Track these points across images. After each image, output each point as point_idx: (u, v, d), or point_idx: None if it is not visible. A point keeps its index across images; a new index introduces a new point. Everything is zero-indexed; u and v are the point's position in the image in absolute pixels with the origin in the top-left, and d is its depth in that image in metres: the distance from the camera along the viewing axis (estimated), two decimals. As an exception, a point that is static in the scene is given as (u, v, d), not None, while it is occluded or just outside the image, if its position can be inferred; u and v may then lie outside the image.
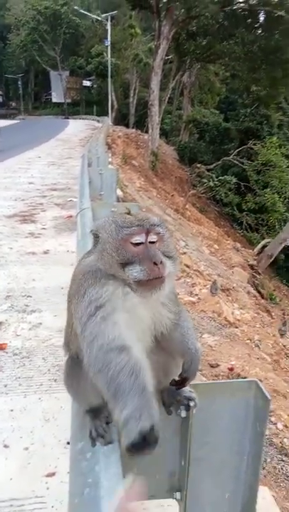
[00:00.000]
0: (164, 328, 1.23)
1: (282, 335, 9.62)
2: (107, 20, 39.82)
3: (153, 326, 1.22)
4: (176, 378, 1.35)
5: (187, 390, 1.38)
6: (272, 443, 4.49)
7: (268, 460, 4.23)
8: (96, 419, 1.27)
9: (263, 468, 3.99)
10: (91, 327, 1.11)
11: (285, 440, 4.56)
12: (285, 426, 4.77)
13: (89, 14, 48.47)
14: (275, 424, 4.75)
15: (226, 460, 1.56)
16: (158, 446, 1.54)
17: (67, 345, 1.37)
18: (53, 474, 2.36)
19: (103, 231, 1.14)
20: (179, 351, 1.30)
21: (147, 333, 1.22)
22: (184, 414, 1.42)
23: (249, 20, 23.40)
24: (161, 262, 1.08)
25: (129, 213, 1.18)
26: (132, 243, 1.10)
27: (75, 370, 1.26)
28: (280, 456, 4.38)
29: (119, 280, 1.11)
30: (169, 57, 28.29)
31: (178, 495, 1.56)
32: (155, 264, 1.07)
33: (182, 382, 1.33)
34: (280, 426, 4.75)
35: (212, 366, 5.21)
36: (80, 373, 1.18)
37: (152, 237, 1.12)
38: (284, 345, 8.71)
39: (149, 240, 1.11)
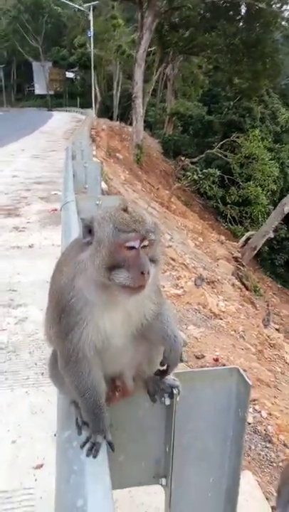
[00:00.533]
0: (146, 318, 1.26)
1: (265, 326, 9.80)
2: (89, 10, 39.19)
3: (136, 316, 1.24)
4: (160, 368, 1.38)
5: (170, 378, 1.42)
6: (257, 430, 4.61)
7: (252, 447, 4.34)
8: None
9: (248, 455, 4.10)
10: (61, 326, 1.18)
11: (269, 427, 4.67)
12: (269, 414, 4.89)
13: (71, 4, 47.56)
14: (260, 412, 4.87)
15: (210, 446, 1.61)
16: (143, 435, 1.59)
17: (49, 339, 1.38)
18: (40, 466, 2.39)
19: (99, 229, 1.13)
20: (159, 339, 1.33)
21: (130, 323, 1.25)
22: (168, 401, 1.46)
23: (231, 12, 23.39)
24: (148, 272, 1.11)
25: (125, 210, 1.16)
26: (125, 247, 1.11)
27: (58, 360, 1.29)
28: (264, 443, 4.49)
29: (99, 284, 1.14)
30: (152, 48, 28.08)
31: (163, 481, 1.60)
32: (142, 273, 1.10)
33: (165, 371, 1.36)
34: (264, 414, 4.86)
35: (197, 357, 5.28)
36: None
37: (145, 243, 1.14)
38: (268, 336, 8.87)
39: (142, 245, 1.13)
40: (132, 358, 1.37)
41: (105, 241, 1.11)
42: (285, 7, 22.93)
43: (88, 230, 1.16)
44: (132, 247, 1.11)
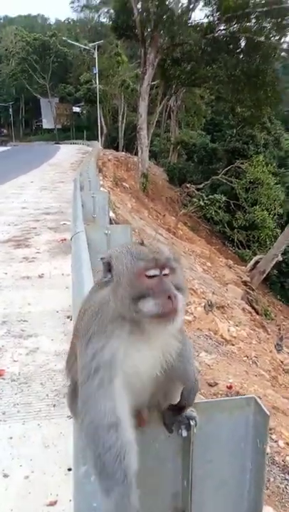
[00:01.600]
0: (171, 357, 1.25)
1: (278, 351, 9.62)
2: (94, 49, 41.15)
3: (162, 357, 1.23)
4: (174, 403, 1.37)
5: (188, 409, 1.41)
6: (275, 461, 4.44)
7: (271, 479, 4.17)
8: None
9: (267, 488, 3.93)
10: (87, 388, 1.11)
11: (288, 458, 4.50)
12: (287, 443, 4.72)
13: (77, 44, 50.07)
14: (277, 441, 4.71)
15: (229, 478, 1.56)
16: (160, 468, 1.55)
17: (69, 371, 1.37)
18: (54, 503, 2.32)
19: (118, 262, 1.12)
20: (180, 379, 1.33)
21: (158, 363, 1.23)
22: (184, 433, 1.44)
23: (231, 45, 24.36)
24: (175, 296, 1.08)
25: (142, 243, 1.16)
26: (146, 275, 1.09)
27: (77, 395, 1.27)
28: (282, 474, 4.32)
29: (128, 321, 1.11)
30: (156, 82, 29.17)
31: (182, 516, 1.55)
32: (169, 297, 1.08)
33: (180, 409, 1.35)
34: (281, 444, 4.70)
35: (210, 385, 5.18)
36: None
37: (166, 271, 1.12)
38: (281, 361, 8.70)
39: (163, 272, 1.12)
40: (153, 394, 1.36)
41: (125, 272, 1.10)
42: (283, 39, 23.84)
43: (108, 268, 1.14)
44: (154, 275, 1.10)
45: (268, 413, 1.46)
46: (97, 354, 1.11)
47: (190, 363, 1.31)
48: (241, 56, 25.05)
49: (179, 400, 1.35)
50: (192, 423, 1.40)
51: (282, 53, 25.27)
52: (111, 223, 7.26)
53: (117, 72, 43.01)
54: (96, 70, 39.92)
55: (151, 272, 1.10)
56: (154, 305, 1.07)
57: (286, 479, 4.20)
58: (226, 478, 1.57)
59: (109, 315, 1.13)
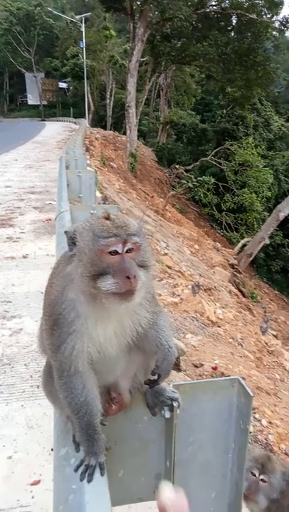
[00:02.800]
0: (141, 327, 1.23)
1: (263, 332, 9.78)
2: (81, 21, 39.71)
3: (129, 325, 1.21)
4: (150, 378, 1.34)
5: (170, 390, 1.38)
6: (257, 439, 4.55)
7: (253, 456, 4.27)
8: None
9: (249, 465, 4.03)
10: (53, 339, 1.15)
11: (270, 436, 4.62)
12: (270, 422, 4.84)
13: (63, 15, 48.24)
14: (260, 420, 4.82)
15: (211, 459, 1.56)
16: (143, 448, 1.54)
17: (44, 352, 1.35)
18: (38, 482, 2.32)
19: (80, 238, 1.11)
20: (153, 348, 1.30)
21: (124, 333, 1.21)
22: (167, 414, 1.42)
23: (222, 22, 23.79)
24: (134, 276, 1.07)
25: (107, 217, 1.13)
26: (108, 252, 1.08)
27: (52, 376, 1.24)
28: (265, 452, 4.44)
29: (90, 296, 1.11)
30: (145, 59, 28.43)
31: (165, 496, 1.55)
32: (128, 277, 1.06)
33: (155, 380, 1.31)
34: (264, 422, 4.81)
35: (196, 366, 5.24)
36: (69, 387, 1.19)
37: (129, 246, 1.10)
38: (266, 343, 8.86)
39: (125, 249, 1.10)
40: (126, 369, 1.34)
41: (86, 249, 1.08)
42: (275, 17, 23.37)
43: (72, 241, 1.13)
44: (115, 252, 1.08)
45: (251, 394, 1.45)
46: (61, 319, 1.13)
47: (163, 331, 1.29)
48: (233, 34, 24.55)
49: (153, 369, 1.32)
50: (175, 404, 1.38)
51: (274, 32, 24.79)
52: (98, 204, 7.14)
53: (105, 47, 41.76)
54: (83, 44, 38.67)
55: (112, 249, 1.08)
56: (112, 284, 1.06)
57: (267, 456, 4.32)
58: (209, 459, 1.56)
59: (73, 292, 1.12)
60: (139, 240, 1.13)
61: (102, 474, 1.13)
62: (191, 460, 1.52)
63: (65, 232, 1.15)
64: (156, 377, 1.32)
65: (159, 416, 1.44)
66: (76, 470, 1.14)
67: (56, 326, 1.14)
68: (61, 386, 1.18)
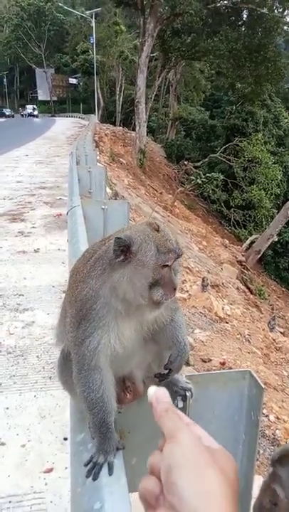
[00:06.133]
0: (161, 323, 1.28)
1: (271, 329, 9.76)
2: (91, 17, 39.61)
3: (151, 321, 1.26)
4: (162, 372, 1.36)
5: (183, 380, 1.42)
6: (265, 435, 4.58)
7: (261, 451, 4.31)
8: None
9: (257, 459, 4.07)
10: (79, 332, 1.19)
11: (277, 432, 4.65)
12: (277, 418, 4.86)
13: (73, 11, 48.14)
14: (267, 416, 4.84)
15: (222, 449, 1.60)
16: (156, 437, 1.58)
17: (61, 341, 1.38)
18: (50, 470, 2.38)
19: (139, 249, 1.13)
20: (169, 343, 1.34)
21: (144, 328, 1.26)
22: (180, 404, 1.45)
23: (232, 17, 23.57)
24: (176, 288, 1.18)
25: (157, 230, 1.20)
26: (163, 265, 1.16)
27: (68, 365, 1.28)
28: (272, 447, 4.46)
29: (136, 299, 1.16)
30: (155, 54, 28.30)
31: (176, 483, 1.59)
32: (174, 289, 1.16)
33: (165, 374, 1.35)
34: (272, 418, 4.84)
35: (204, 361, 5.27)
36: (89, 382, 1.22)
37: (179, 260, 1.22)
38: (273, 339, 8.84)
39: (175, 262, 1.20)
40: (141, 360, 1.37)
41: (146, 261, 1.13)
42: (287, 12, 23.08)
43: (124, 249, 1.13)
44: (167, 265, 1.16)
45: (262, 386, 1.48)
46: (90, 314, 1.18)
47: (180, 328, 1.34)
48: (243, 29, 24.30)
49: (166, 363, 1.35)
50: (188, 394, 1.42)
51: (285, 27, 24.50)
52: (108, 199, 7.18)
53: (115, 43, 41.61)
54: (93, 40, 38.58)
55: (169, 263, 1.16)
56: (162, 294, 1.15)
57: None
58: (220, 449, 1.60)
59: (112, 294, 1.16)
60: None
61: (110, 474, 1.14)
62: (202, 449, 1.56)
63: (119, 239, 1.14)
64: (166, 371, 1.35)
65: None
66: (85, 465, 1.16)
67: (85, 320, 1.18)
68: (79, 380, 1.21)
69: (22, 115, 56.17)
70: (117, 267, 1.15)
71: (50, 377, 3.13)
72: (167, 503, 0.51)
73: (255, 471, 1.71)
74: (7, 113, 52.70)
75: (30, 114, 55.16)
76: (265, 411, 4.69)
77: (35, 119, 45.76)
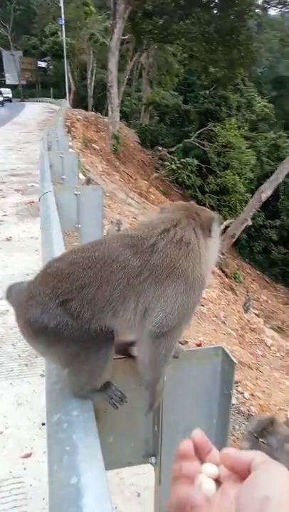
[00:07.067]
0: None
1: (246, 311, 10.02)
2: (59, -4, 38.24)
3: None
4: None
5: None
6: (240, 411, 4.74)
7: (237, 427, 4.47)
8: (108, 389, 1.34)
9: (232, 435, 4.22)
10: (190, 300, 1.22)
11: (252, 408, 4.82)
12: (252, 395, 5.04)
13: (40, -10, 46.28)
14: (242, 393, 5.01)
15: (196, 423, 1.63)
16: (132, 416, 1.61)
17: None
18: (29, 455, 2.39)
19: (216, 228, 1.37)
20: None
21: None
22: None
23: (205, -1, 23.30)
24: None
25: None
26: None
27: (88, 351, 1.18)
28: (247, 422, 4.64)
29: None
30: (126, 37, 27.70)
31: (153, 459, 1.63)
32: None
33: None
34: (246, 395, 5.01)
35: (180, 343, 5.35)
36: (95, 352, 1.18)
37: None
38: (248, 321, 9.09)
39: None
40: None
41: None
42: (258, -5, 23.02)
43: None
44: None
45: (235, 361, 1.53)
46: (197, 297, 1.28)
47: None
48: (215, 12, 24.08)
49: None
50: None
51: (257, 10, 24.46)
52: (88, 185, 7.07)
53: (85, 25, 40.41)
54: (62, 21, 37.31)
55: None
56: None
57: (250, 426, 4.52)
58: (194, 423, 1.64)
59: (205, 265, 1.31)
60: None
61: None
62: (176, 424, 1.60)
63: (214, 218, 1.34)
64: None
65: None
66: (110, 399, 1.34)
67: (195, 288, 1.21)
68: (172, 346, 1.31)
69: None
70: (208, 242, 1.31)
71: (26, 365, 3.12)
72: None
73: (229, 444, 1.78)
74: None
75: (4, 99, 47.37)
76: (240, 389, 4.85)
77: (3, 105, 43.32)
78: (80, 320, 1.14)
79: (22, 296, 1.25)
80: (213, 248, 1.30)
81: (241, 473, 0.49)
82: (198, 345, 5.22)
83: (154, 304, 1.15)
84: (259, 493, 0.43)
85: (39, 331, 1.17)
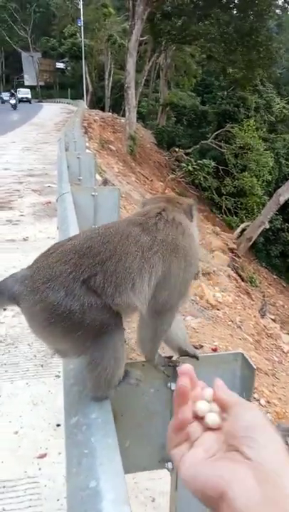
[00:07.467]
0: None
1: (262, 316, 9.88)
2: (79, -1, 38.62)
3: None
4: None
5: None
6: (255, 417, 4.66)
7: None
8: (127, 376, 1.34)
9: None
10: (190, 277, 1.30)
11: (268, 415, 4.74)
12: (268, 402, 4.96)
13: (60, -8, 46.84)
14: (258, 400, 4.93)
15: (214, 430, 1.62)
16: (149, 420, 1.59)
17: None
18: (44, 456, 2.39)
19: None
20: None
21: None
22: (173, 387, 1.46)
23: (224, 0, 23.14)
24: None
25: None
26: None
27: (111, 334, 1.15)
28: None
29: None
30: (144, 38, 27.76)
31: (169, 465, 1.61)
32: None
33: None
34: (262, 402, 4.93)
35: (196, 347, 5.31)
36: (118, 336, 1.17)
37: None
38: (264, 326, 8.95)
39: None
40: None
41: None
42: (278, -5, 22.75)
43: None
44: None
45: (254, 367, 1.49)
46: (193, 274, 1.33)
47: None
48: (235, 12, 23.91)
49: None
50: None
51: (277, 10, 24.20)
52: (98, 186, 7.09)
53: (104, 26, 40.70)
54: (81, 22, 37.67)
55: None
56: None
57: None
58: (212, 430, 1.62)
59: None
60: None
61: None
62: (195, 431, 1.57)
63: (193, 204, 1.43)
64: None
65: (165, 388, 1.48)
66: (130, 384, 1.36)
67: (192, 265, 1.28)
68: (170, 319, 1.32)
69: (3, 101, 45.63)
70: (193, 225, 1.41)
71: (41, 365, 3.13)
72: (235, 452, 0.52)
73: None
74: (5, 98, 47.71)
75: (23, 100, 47.19)
76: (256, 395, 4.77)
77: (20, 105, 43.19)
78: (104, 296, 1.12)
79: (31, 282, 1.14)
80: (196, 231, 1.38)
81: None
82: (214, 349, 5.16)
83: (162, 279, 1.21)
84: (244, 419, 0.54)
85: (61, 316, 1.09)
